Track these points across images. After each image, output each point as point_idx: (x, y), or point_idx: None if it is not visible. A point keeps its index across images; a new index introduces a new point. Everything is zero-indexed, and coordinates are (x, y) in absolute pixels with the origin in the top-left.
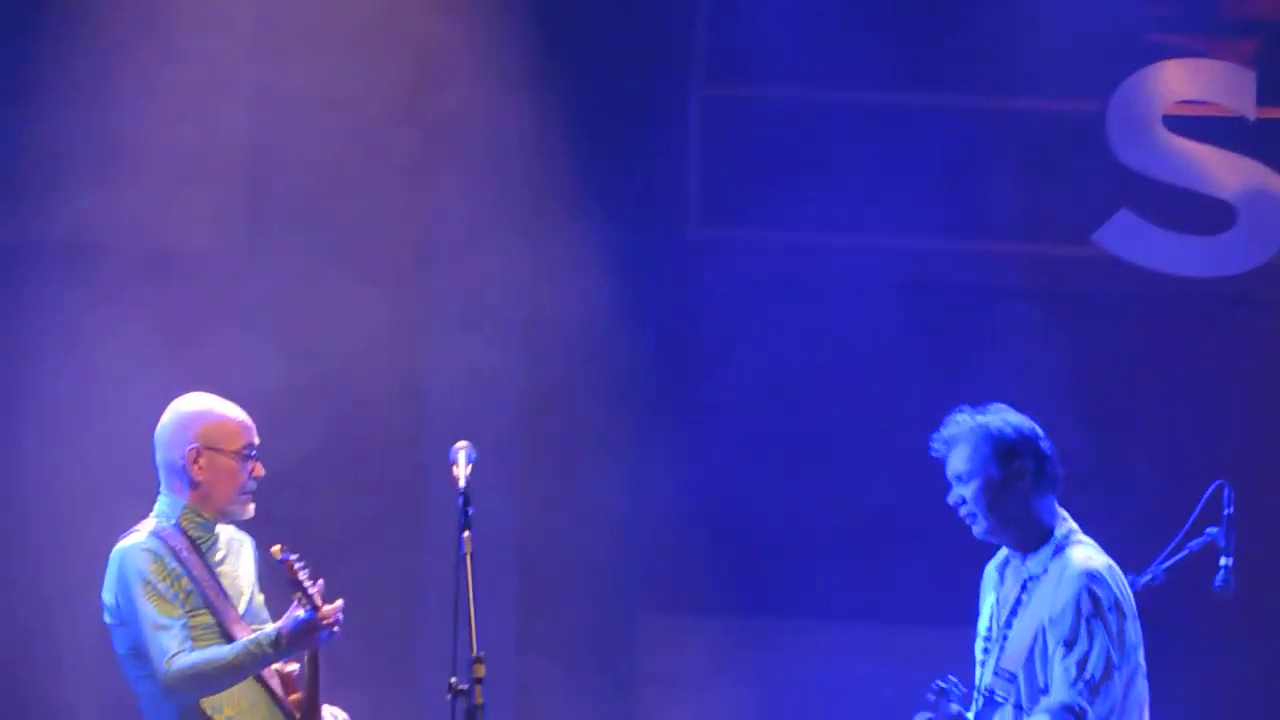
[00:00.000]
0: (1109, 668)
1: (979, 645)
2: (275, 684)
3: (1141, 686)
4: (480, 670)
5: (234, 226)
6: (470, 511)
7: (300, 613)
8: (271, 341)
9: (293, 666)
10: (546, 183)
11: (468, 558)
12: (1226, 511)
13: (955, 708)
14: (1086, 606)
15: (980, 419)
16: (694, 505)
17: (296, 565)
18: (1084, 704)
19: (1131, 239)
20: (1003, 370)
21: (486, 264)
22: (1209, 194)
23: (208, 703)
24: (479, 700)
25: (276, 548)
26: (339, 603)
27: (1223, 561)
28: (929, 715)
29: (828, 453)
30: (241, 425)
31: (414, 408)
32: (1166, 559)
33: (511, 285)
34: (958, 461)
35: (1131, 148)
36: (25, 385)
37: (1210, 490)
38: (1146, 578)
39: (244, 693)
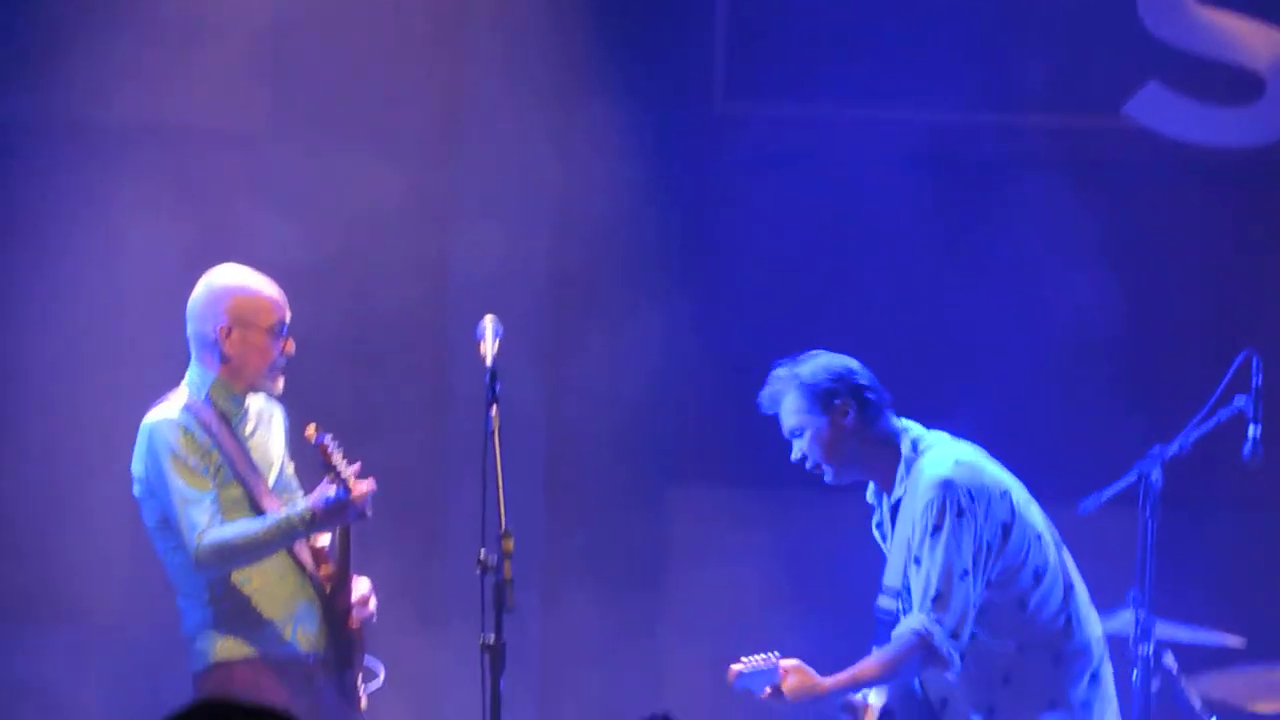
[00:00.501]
0: (950, 577)
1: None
2: (306, 557)
3: (1051, 558)
4: (509, 545)
5: (256, 101)
6: (498, 387)
7: (332, 490)
8: (294, 219)
9: (324, 540)
10: (570, 60)
11: (495, 433)
12: (1255, 381)
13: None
14: (930, 520)
15: (794, 370)
16: (718, 379)
17: (330, 448)
18: (930, 625)
19: (1161, 110)
20: (1031, 243)
21: (510, 142)
22: (1239, 64)
23: (237, 574)
24: (507, 575)
25: (311, 429)
26: (370, 482)
27: (1251, 431)
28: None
29: (852, 327)
30: (274, 301)
31: (440, 284)
32: (1194, 429)
33: (536, 163)
34: (787, 418)
35: (1161, 18)
36: (44, 264)
37: (1239, 360)
38: (1174, 447)
39: (273, 565)
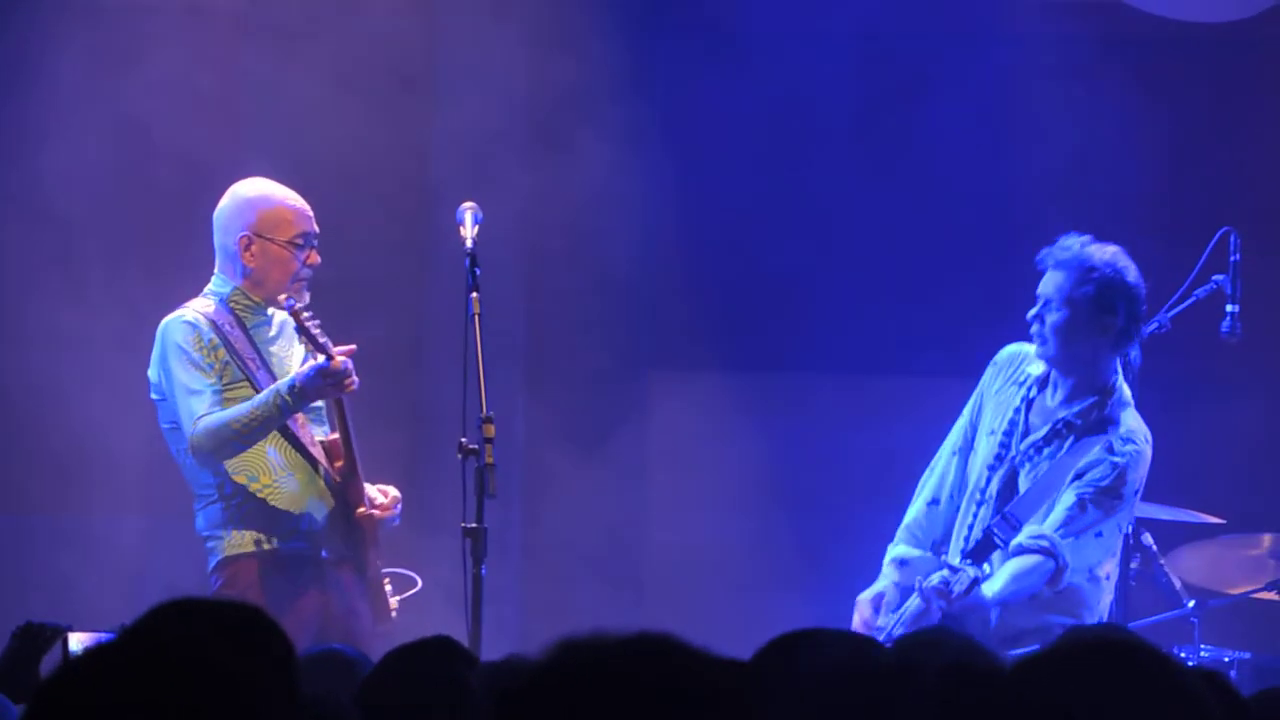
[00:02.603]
0: (1104, 532)
1: (986, 445)
2: (317, 452)
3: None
4: (490, 430)
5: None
6: (478, 272)
7: (315, 360)
8: (276, 99)
9: (335, 435)
10: None
11: (476, 317)
12: (1233, 258)
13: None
14: (1125, 480)
15: (1100, 255)
16: (701, 261)
17: (305, 314)
18: (1068, 559)
19: None
20: (1009, 117)
21: (485, 21)
22: None
23: (245, 471)
24: (489, 459)
25: (281, 296)
26: (350, 347)
27: (1229, 308)
28: (946, 578)
29: (825, 208)
30: (298, 214)
31: (421, 168)
32: (1173, 306)
33: (510, 43)
34: (1052, 286)
35: None
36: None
37: (1217, 237)
38: (1153, 325)
39: (282, 461)
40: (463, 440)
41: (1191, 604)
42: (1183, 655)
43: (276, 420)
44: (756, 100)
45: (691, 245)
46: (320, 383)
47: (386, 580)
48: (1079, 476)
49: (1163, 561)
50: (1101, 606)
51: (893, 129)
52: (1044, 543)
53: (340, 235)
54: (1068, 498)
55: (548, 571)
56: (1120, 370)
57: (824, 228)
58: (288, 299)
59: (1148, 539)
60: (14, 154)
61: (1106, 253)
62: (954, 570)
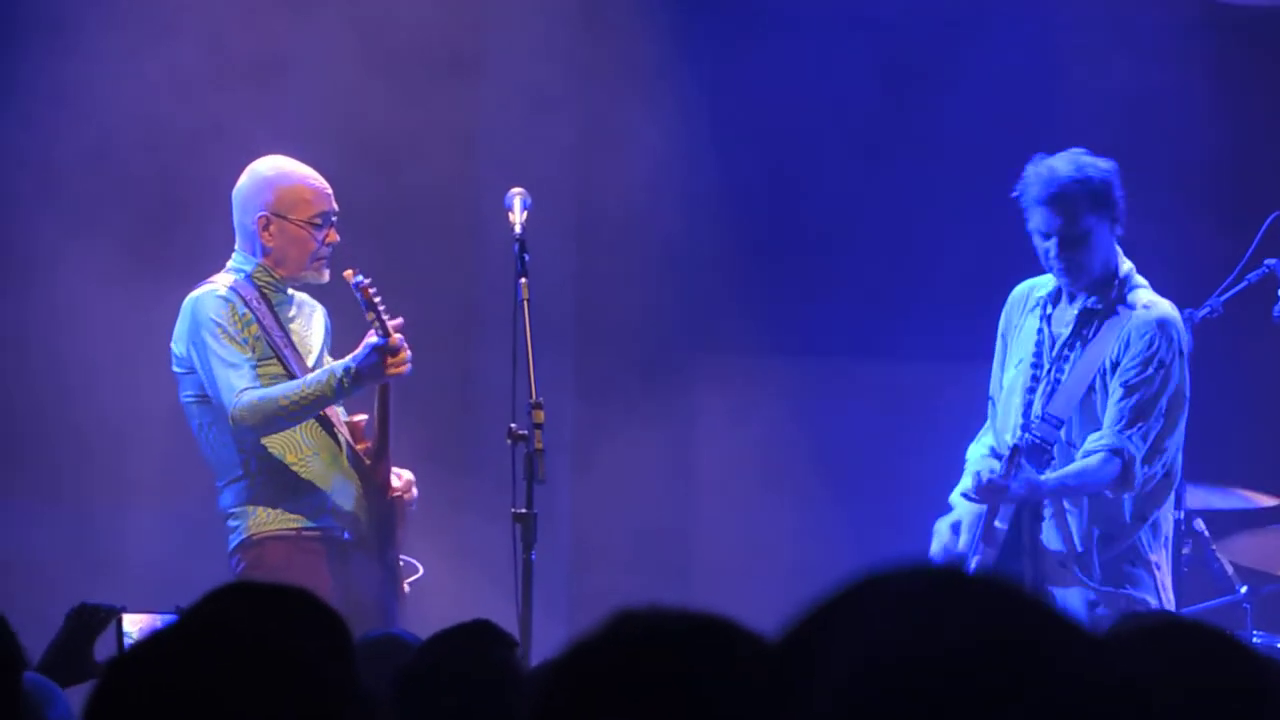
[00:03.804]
0: (1165, 416)
1: (1015, 376)
2: (344, 432)
3: (1182, 431)
4: (539, 415)
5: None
6: (527, 258)
7: (373, 338)
8: (324, 92)
9: (360, 416)
10: None
11: (525, 303)
12: None
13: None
14: (1160, 350)
15: (1080, 166)
16: (746, 249)
17: (371, 289)
18: (1133, 450)
19: None
20: (1041, 100)
21: (534, 23)
22: None
23: (272, 449)
24: (538, 445)
25: (349, 271)
26: (398, 320)
27: None
28: (998, 470)
29: (874, 192)
30: (316, 193)
31: (469, 152)
32: (1224, 291)
33: (559, 41)
34: (1048, 216)
35: None
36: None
37: (1269, 221)
38: (1205, 310)
39: (309, 440)
40: (512, 426)
41: (1244, 589)
42: None
43: (329, 401)
44: (812, 81)
45: (742, 230)
46: (375, 359)
47: (401, 560)
48: (1115, 365)
49: (1214, 547)
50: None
51: (945, 112)
52: (1106, 439)
53: (389, 220)
54: (1115, 391)
55: (596, 558)
56: (1120, 249)
57: (881, 212)
58: (356, 274)
59: (1200, 525)
60: (35, 133)
61: (1080, 158)
62: (996, 456)
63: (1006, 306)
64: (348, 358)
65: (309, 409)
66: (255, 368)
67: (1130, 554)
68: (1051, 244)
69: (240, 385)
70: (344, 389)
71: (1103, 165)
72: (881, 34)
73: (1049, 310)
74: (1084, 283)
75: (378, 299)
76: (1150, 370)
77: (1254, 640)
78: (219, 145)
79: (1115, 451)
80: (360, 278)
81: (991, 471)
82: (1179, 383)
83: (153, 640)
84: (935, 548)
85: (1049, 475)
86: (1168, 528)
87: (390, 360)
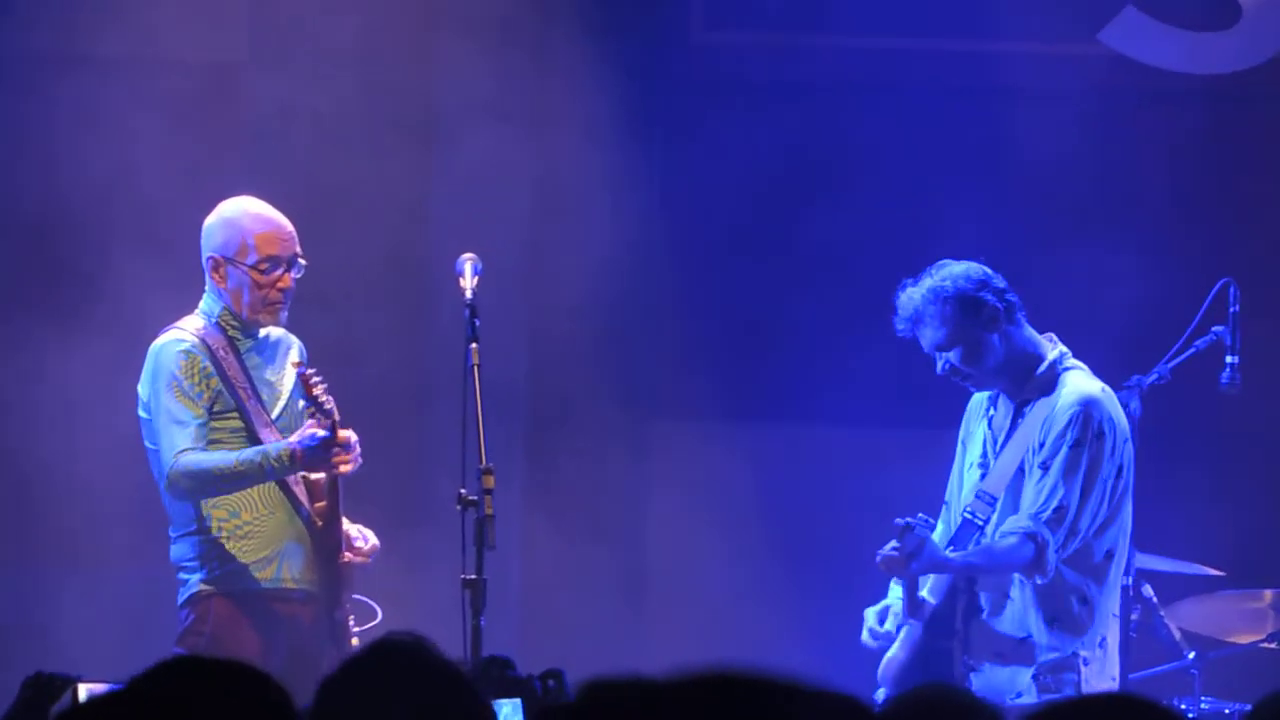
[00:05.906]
0: (1081, 498)
1: (964, 477)
2: (299, 492)
3: (1128, 509)
4: (489, 481)
5: (236, 31)
6: (477, 323)
7: (318, 431)
8: (277, 152)
9: (319, 475)
10: None
11: (475, 368)
12: (1232, 309)
13: (920, 537)
14: (1074, 433)
15: (932, 284)
16: (699, 314)
17: (314, 380)
18: (1047, 534)
19: (1137, 36)
20: (1007, 171)
21: (488, 76)
22: None
23: (225, 507)
24: (488, 510)
25: (294, 360)
26: (352, 434)
27: (1229, 359)
28: (895, 545)
29: (830, 258)
30: (265, 237)
31: (421, 217)
32: (1173, 358)
33: (513, 96)
34: (932, 335)
35: None
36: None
37: (1216, 288)
38: (1153, 377)
39: (263, 499)
40: (462, 491)
41: (1192, 655)
42: (1183, 707)
43: (257, 480)
44: (763, 150)
45: (694, 296)
46: (322, 455)
47: (350, 617)
48: (1042, 447)
49: (1163, 613)
50: (1110, 581)
51: (897, 180)
52: (1022, 523)
53: (340, 285)
54: (1034, 474)
55: (547, 623)
56: (1038, 338)
57: (832, 278)
58: (301, 365)
59: (1148, 590)
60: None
61: (937, 276)
62: (896, 526)
63: (965, 414)
64: (293, 437)
65: (240, 483)
66: (205, 425)
67: (1073, 632)
68: (942, 363)
69: (181, 445)
70: (276, 470)
71: (958, 272)
72: (834, 99)
73: (991, 412)
74: (1001, 384)
75: (320, 388)
76: (1073, 451)
77: (1202, 706)
78: (169, 211)
79: (1030, 536)
80: (304, 368)
81: (894, 546)
82: (1100, 462)
83: (92, 704)
84: (864, 635)
85: (957, 553)
86: (1113, 604)
87: (340, 455)
